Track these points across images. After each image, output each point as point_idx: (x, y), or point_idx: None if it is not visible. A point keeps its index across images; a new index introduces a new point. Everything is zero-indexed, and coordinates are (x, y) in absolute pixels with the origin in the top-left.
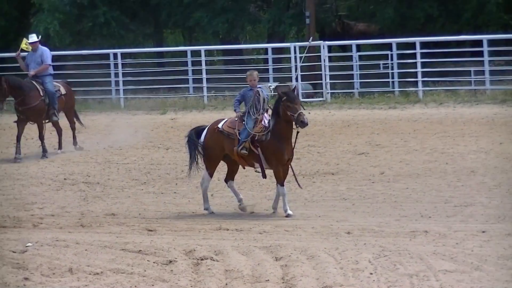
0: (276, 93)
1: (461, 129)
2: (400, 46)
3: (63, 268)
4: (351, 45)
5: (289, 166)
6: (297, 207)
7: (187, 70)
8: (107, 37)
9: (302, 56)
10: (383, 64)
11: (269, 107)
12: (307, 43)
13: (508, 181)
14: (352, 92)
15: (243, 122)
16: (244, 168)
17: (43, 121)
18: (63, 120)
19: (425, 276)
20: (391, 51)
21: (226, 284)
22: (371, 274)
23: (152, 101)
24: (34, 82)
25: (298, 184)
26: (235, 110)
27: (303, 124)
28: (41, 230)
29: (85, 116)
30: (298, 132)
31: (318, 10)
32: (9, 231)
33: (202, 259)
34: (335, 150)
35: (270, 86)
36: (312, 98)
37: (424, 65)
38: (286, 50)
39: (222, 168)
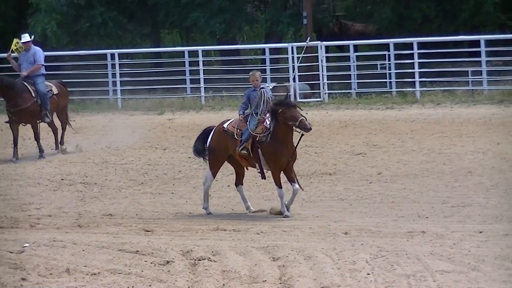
0: (274, 93)
1: (458, 129)
2: (397, 46)
3: (60, 269)
4: (348, 46)
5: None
6: (294, 207)
7: (185, 70)
8: (104, 37)
9: (299, 57)
10: (381, 64)
11: None
12: (305, 43)
13: (506, 182)
14: (349, 92)
15: (247, 123)
16: (247, 169)
17: (37, 122)
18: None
19: (423, 277)
20: (389, 51)
21: (224, 284)
22: (369, 274)
23: (149, 101)
24: (25, 83)
25: (299, 186)
26: (241, 114)
27: (306, 130)
28: (38, 231)
29: (82, 116)
30: (302, 135)
31: (316, 10)
32: (6, 232)
33: (199, 260)
34: (332, 151)
35: (268, 86)
36: (310, 98)
37: (421, 65)
38: (284, 50)
39: (221, 168)
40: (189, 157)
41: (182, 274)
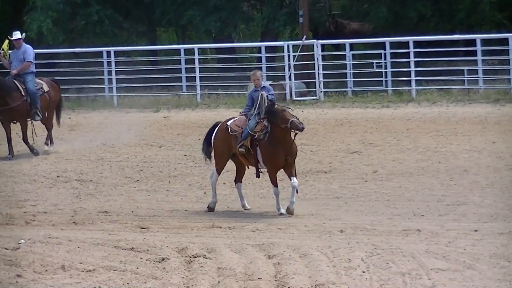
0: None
1: (454, 128)
2: (393, 45)
3: (55, 265)
4: (344, 44)
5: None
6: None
7: (180, 68)
8: (100, 35)
9: (295, 55)
10: (377, 63)
11: None
12: (301, 41)
13: (501, 180)
14: (345, 91)
15: (247, 121)
16: (248, 168)
17: (27, 121)
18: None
19: (418, 275)
20: (385, 50)
21: (219, 281)
22: (364, 272)
23: (145, 99)
24: (15, 82)
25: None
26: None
27: (299, 130)
28: (33, 227)
29: (78, 113)
30: (296, 134)
31: (312, 9)
32: (2, 228)
33: (194, 257)
34: (328, 149)
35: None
36: (306, 96)
37: (417, 64)
38: (280, 48)
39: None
40: (185, 155)
41: (178, 271)
